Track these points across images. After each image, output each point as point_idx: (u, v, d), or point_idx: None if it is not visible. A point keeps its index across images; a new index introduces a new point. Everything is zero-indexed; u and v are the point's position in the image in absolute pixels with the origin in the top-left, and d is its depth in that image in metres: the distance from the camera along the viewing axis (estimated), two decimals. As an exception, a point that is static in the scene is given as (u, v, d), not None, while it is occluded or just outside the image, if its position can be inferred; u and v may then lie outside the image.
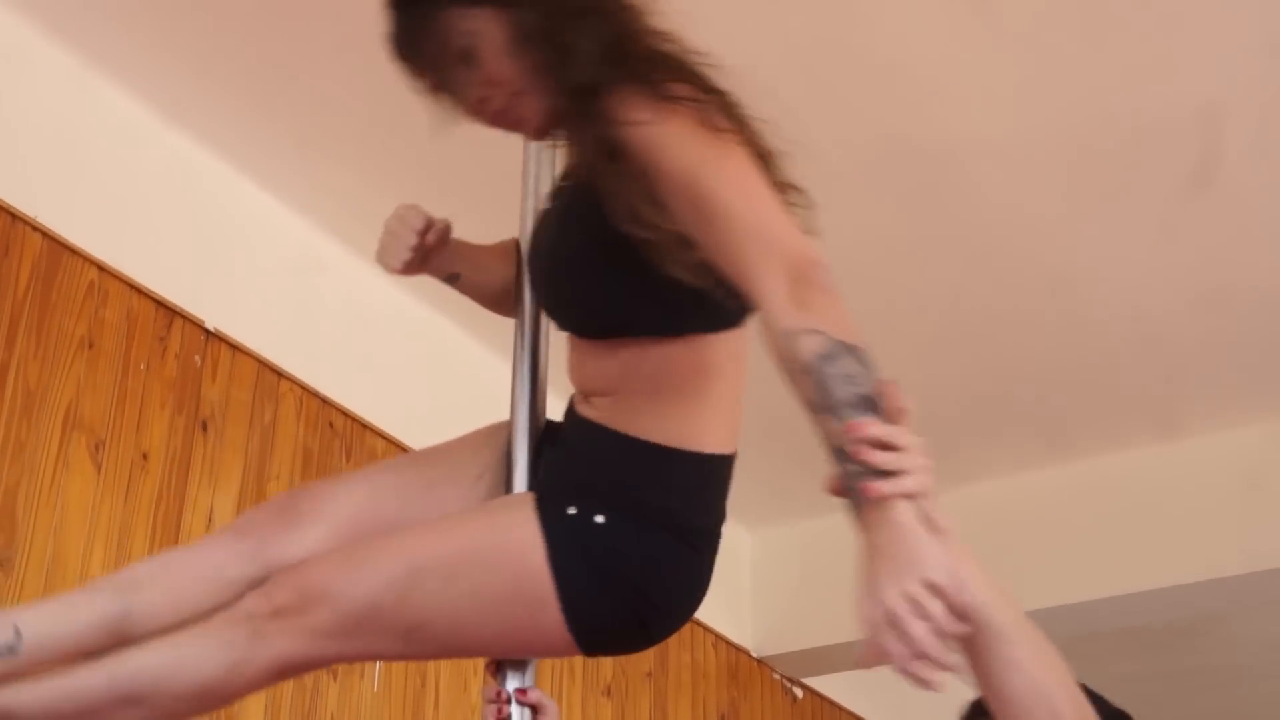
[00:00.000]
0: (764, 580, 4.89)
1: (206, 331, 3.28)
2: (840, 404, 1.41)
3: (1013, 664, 1.42)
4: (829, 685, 5.13)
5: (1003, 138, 3.35)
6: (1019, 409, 4.32)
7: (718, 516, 1.85)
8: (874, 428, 1.37)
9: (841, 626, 4.72)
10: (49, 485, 2.87)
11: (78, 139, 3.13)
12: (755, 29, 3.07)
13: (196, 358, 3.24)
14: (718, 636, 4.72)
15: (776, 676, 4.94)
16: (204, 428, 3.22)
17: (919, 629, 1.26)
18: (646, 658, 4.37)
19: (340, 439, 3.53)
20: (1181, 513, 4.33)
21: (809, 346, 1.44)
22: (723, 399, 1.82)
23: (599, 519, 1.73)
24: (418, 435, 3.37)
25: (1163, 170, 3.42)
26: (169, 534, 3.07)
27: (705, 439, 1.80)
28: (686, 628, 4.55)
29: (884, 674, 4.84)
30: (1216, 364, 4.11)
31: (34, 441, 2.87)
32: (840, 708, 5.24)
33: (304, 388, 3.45)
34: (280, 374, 3.41)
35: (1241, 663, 5.84)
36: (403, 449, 3.54)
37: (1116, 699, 6.13)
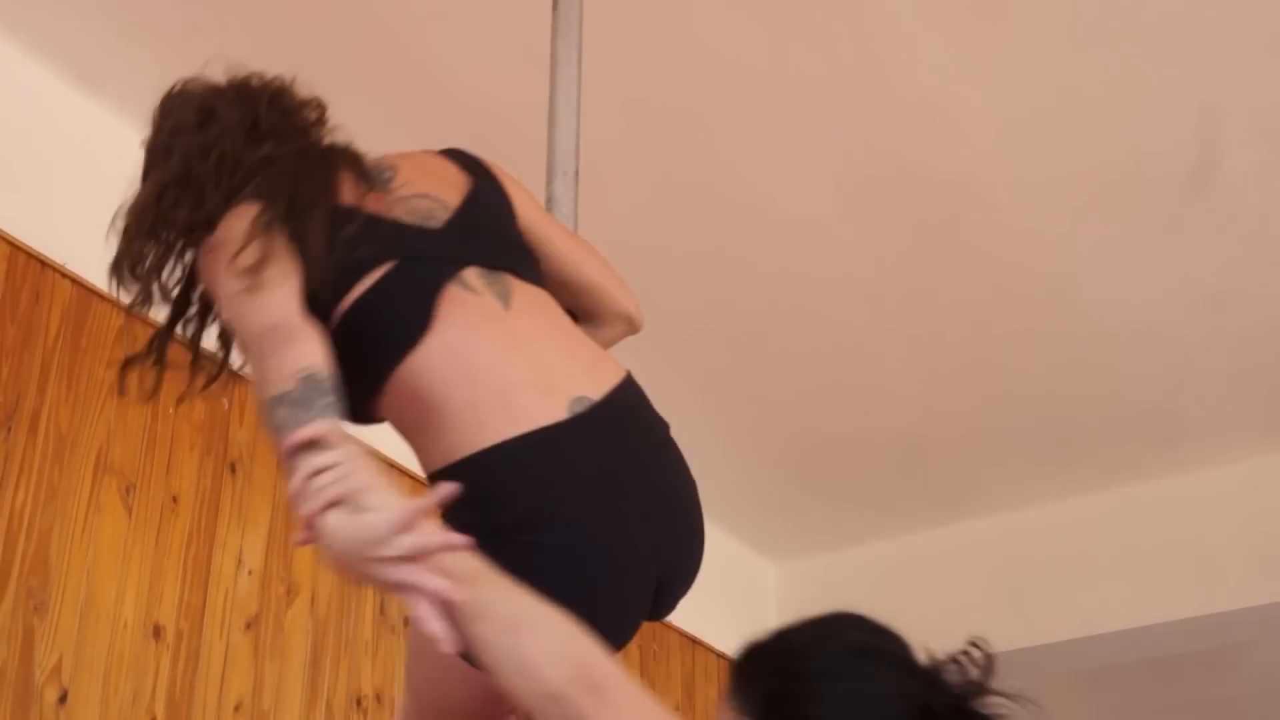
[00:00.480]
0: (788, 612, 4.88)
1: (233, 373, 3.31)
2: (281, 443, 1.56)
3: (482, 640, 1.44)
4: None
5: (1015, 165, 3.38)
6: (1037, 437, 4.34)
7: (553, 490, 1.68)
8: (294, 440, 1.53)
9: (866, 658, 4.74)
10: (81, 529, 2.91)
11: (106, 187, 3.18)
12: (770, 64, 3.11)
13: (224, 400, 3.28)
14: (743, 669, 4.73)
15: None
16: (233, 470, 3.26)
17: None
18: (673, 691, 4.39)
19: (367, 478, 3.56)
20: (1204, 542, 4.34)
21: (262, 391, 1.60)
22: (471, 402, 1.70)
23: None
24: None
25: (1174, 192, 3.45)
26: (199, 575, 3.10)
27: (473, 441, 1.68)
28: (712, 660, 4.58)
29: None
30: (1238, 390, 4.12)
31: (66, 486, 2.91)
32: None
33: (330, 428, 3.48)
34: (307, 415, 3.44)
35: (1270, 689, 5.83)
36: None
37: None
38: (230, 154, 1.85)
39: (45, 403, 2.93)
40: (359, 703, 3.36)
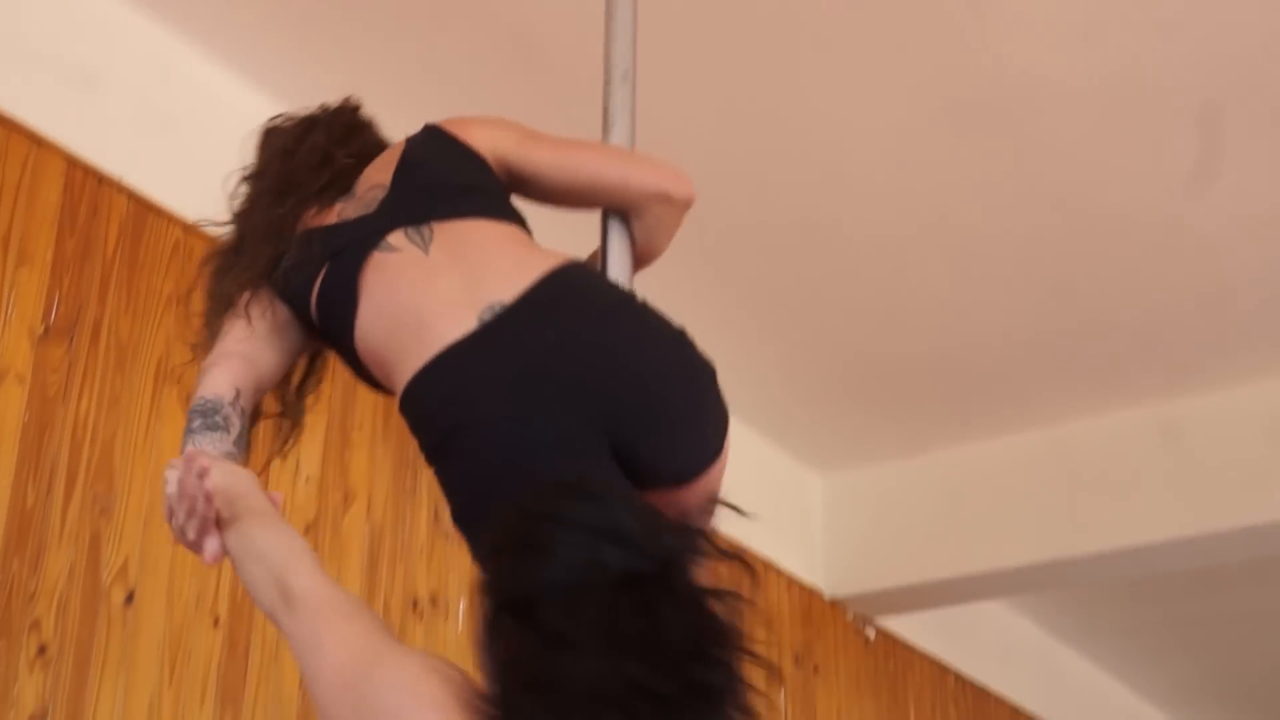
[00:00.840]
0: (835, 523, 4.96)
1: (288, 286, 3.38)
2: None
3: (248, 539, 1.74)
4: (902, 626, 5.20)
5: (1072, 76, 3.37)
6: (1089, 349, 4.35)
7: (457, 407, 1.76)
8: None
9: (914, 568, 4.80)
10: (144, 436, 2.99)
11: (162, 101, 3.23)
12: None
13: (280, 312, 3.34)
14: (790, 579, 4.80)
15: (849, 618, 5.01)
16: (287, 378, 3.32)
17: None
18: (720, 599, 4.45)
19: (419, 389, 3.62)
20: (1255, 452, 4.35)
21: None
22: (402, 347, 1.83)
23: None
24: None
25: (1233, 106, 3.43)
26: (259, 479, 3.17)
27: (402, 381, 1.82)
28: (759, 568, 4.63)
29: (956, 613, 4.90)
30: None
31: (128, 394, 2.99)
32: (913, 648, 5.30)
33: (383, 339, 3.55)
34: (360, 326, 3.50)
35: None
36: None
37: (1188, 638, 6.13)
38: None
39: (106, 313, 2.99)
40: (414, 605, 3.44)
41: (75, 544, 2.81)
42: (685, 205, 1.97)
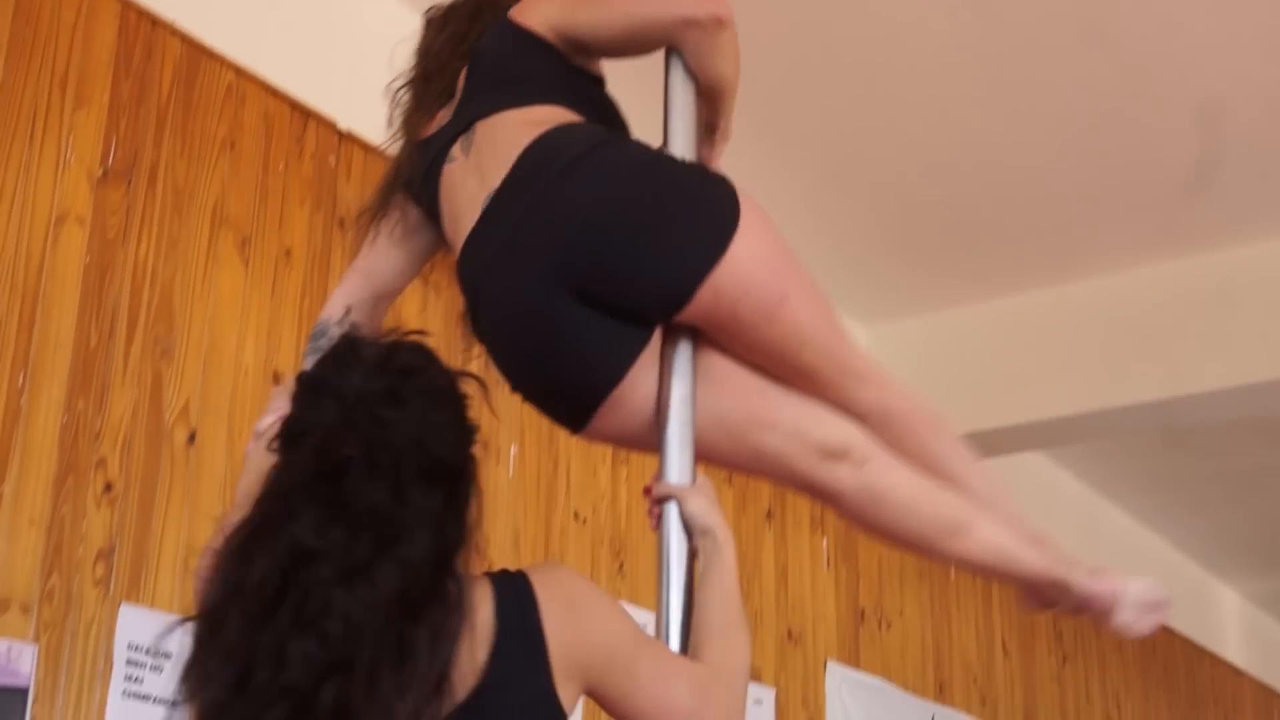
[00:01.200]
0: (879, 374, 4.98)
1: (339, 133, 3.38)
2: None
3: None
4: (942, 477, 5.24)
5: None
6: (1138, 200, 4.33)
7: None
8: None
9: (955, 419, 4.81)
10: (202, 279, 3.03)
11: (212, -56, 3.22)
12: None
13: (331, 158, 3.36)
14: (833, 429, 4.84)
15: (890, 468, 5.06)
16: (341, 225, 3.35)
17: None
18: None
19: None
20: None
21: None
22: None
23: None
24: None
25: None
26: (313, 326, 3.21)
27: None
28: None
29: (996, 465, 4.88)
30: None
31: (186, 238, 3.02)
32: (952, 499, 5.36)
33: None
34: (411, 173, 3.52)
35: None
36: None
37: (1226, 490, 6.16)
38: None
39: (162, 157, 3.01)
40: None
41: (138, 384, 2.87)
42: (716, 25, 1.91)
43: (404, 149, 2.04)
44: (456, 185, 1.92)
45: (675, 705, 1.57)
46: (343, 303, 2.06)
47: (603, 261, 1.75)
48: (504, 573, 1.59)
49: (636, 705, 1.57)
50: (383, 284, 2.10)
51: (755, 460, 1.88)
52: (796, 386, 1.87)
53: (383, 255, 2.08)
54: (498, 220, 1.82)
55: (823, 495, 1.89)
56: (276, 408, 1.76)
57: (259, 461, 1.68)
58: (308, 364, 1.84)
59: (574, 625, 1.55)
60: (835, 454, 1.84)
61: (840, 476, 1.84)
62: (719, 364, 1.84)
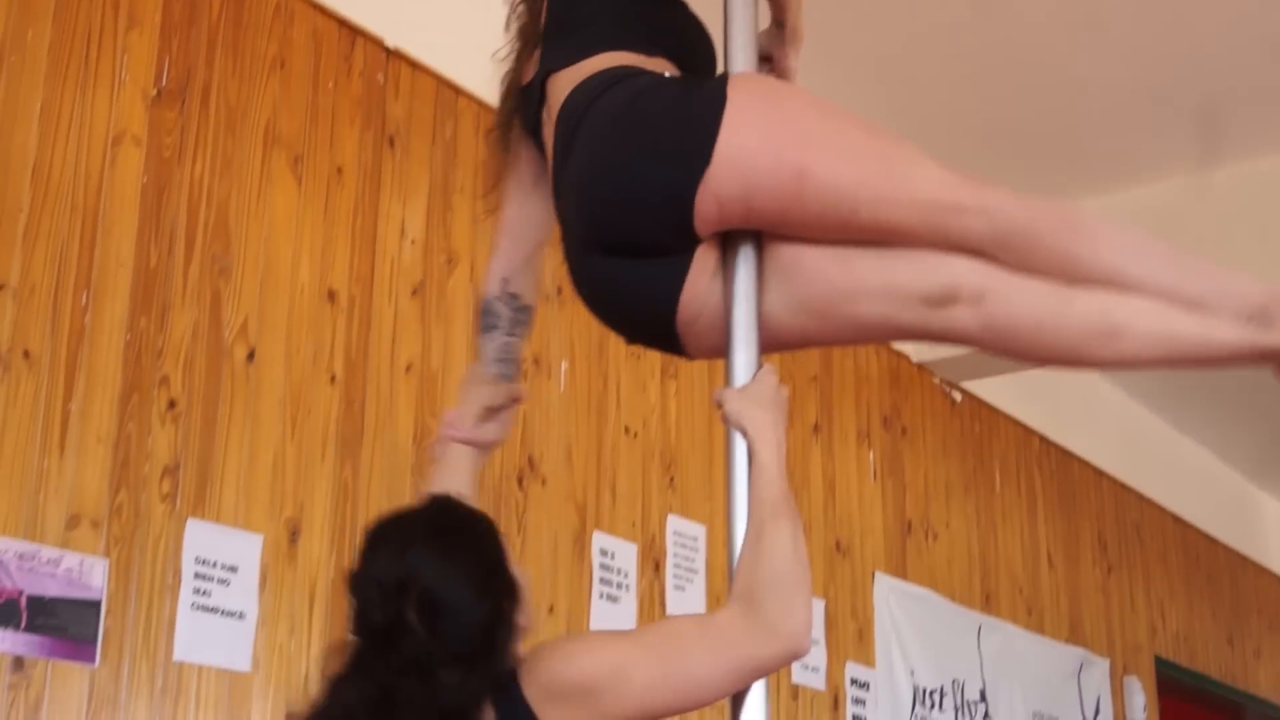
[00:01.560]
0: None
1: (387, 50, 3.39)
2: None
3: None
4: (987, 389, 5.26)
5: None
6: (1188, 108, 4.30)
7: None
8: None
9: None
10: (256, 198, 3.05)
11: None
12: None
13: (380, 75, 3.36)
14: (879, 343, 4.85)
15: (936, 381, 5.08)
16: (391, 144, 3.36)
17: None
18: (811, 362, 4.52)
19: (517, 153, 3.65)
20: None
21: None
22: None
23: None
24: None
25: None
26: (366, 244, 3.24)
27: None
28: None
29: (1040, 377, 4.96)
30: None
31: (240, 157, 3.04)
32: (998, 411, 5.38)
33: (481, 104, 3.56)
34: (458, 90, 3.52)
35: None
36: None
37: (1269, 399, 6.08)
38: None
39: (214, 76, 3.03)
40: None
41: (198, 303, 2.90)
42: None
43: (512, 92, 2.03)
44: (548, 143, 1.93)
45: (694, 677, 1.66)
46: (499, 275, 2.07)
47: (605, 215, 1.76)
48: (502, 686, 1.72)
49: (659, 700, 1.67)
50: (529, 239, 2.08)
51: (863, 331, 1.80)
52: (896, 245, 1.72)
53: (520, 209, 2.07)
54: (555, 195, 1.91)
55: (955, 340, 1.76)
56: (469, 398, 2.04)
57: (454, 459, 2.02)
58: (481, 343, 2.05)
59: (545, 689, 1.68)
60: (943, 300, 1.70)
61: (958, 319, 1.70)
62: (786, 253, 1.76)
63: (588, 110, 1.79)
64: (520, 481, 3.48)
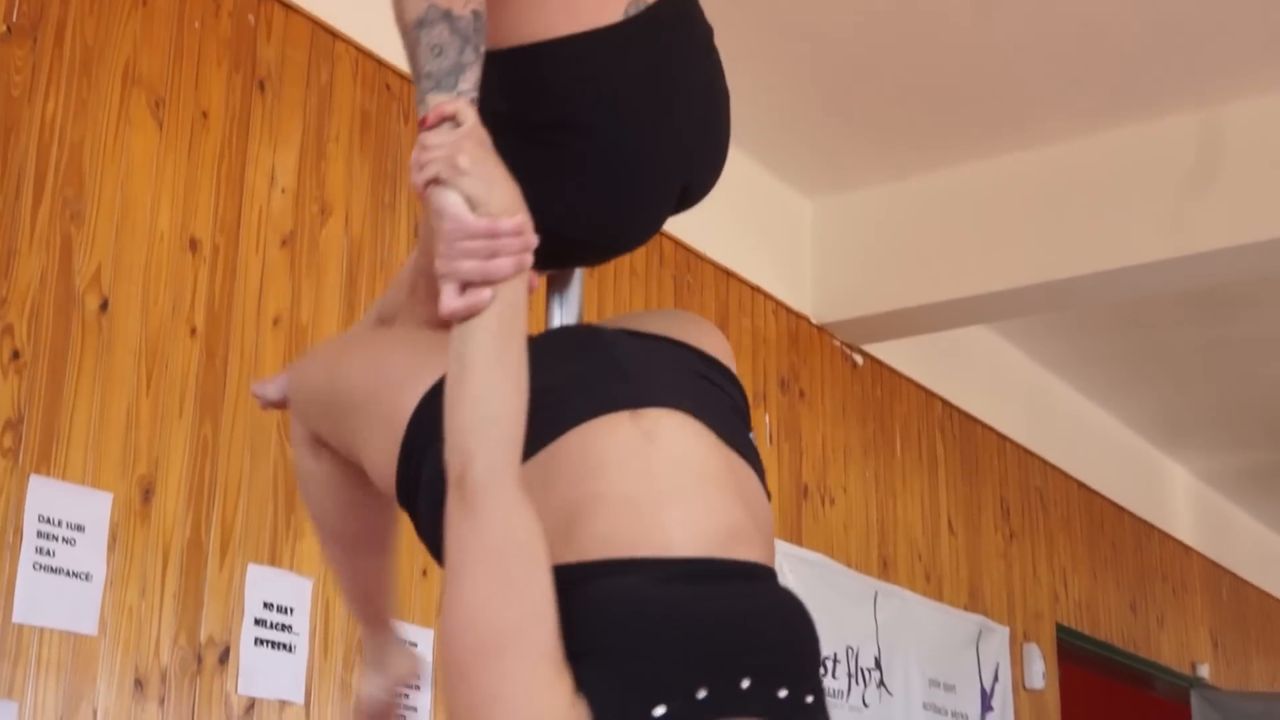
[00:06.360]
0: (824, 248, 4.92)
1: (259, -9, 3.26)
2: (421, 75, 1.50)
3: None
4: (888, 352, 5.20)
5: None
6: (1080, 67, 4.24)
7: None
8: (431, 117, 1.47)
9: (902, 293, 4.77)
10: (113, 140, 2.92)
11: None
12: None
13: (250, 16, 3.23)
14: (778, 303, 4.77)
15: (836, 343, 5.01)
16: (261, 88, 3.23)
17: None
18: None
19: (398, 101, 3.53)
20: (1243, 171, 4.28)
21: (410, 9, 1.50)
22: None
23: None
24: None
25: None
26: (233, 191, 3.12)
27: (522, 30, 1.64)
28: (745, 292, 4.62)
29: (943, 341, 4.89)
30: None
31: (95, 98, 2.90)
32: (899, 374, 5.32)
33: (359, 49, 3.44)
34: (335, 35, 3.40)
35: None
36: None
37: (1177, 365, 6.15)
38: None
39: (70, 12, 2.89)
40: (396, 320, 3.40)
41: (46, 249, 2.77)
42: None
43: None
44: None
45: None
46: None
47: (707, 179, 1.83)
48: None
49: None
50: None
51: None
52: None
53: None
54: (655, 51, 1.75)
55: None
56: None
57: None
58: (423, 45, 1.53)
59: None
60: None
61: None
62: None
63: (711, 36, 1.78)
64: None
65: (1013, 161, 4.62)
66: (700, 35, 1.77)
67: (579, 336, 1.72)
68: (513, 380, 1.41)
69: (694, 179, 1.78)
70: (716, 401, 1.63)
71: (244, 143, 3.17)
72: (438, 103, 1.48)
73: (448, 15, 1.49)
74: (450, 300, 1.42)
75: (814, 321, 4.91)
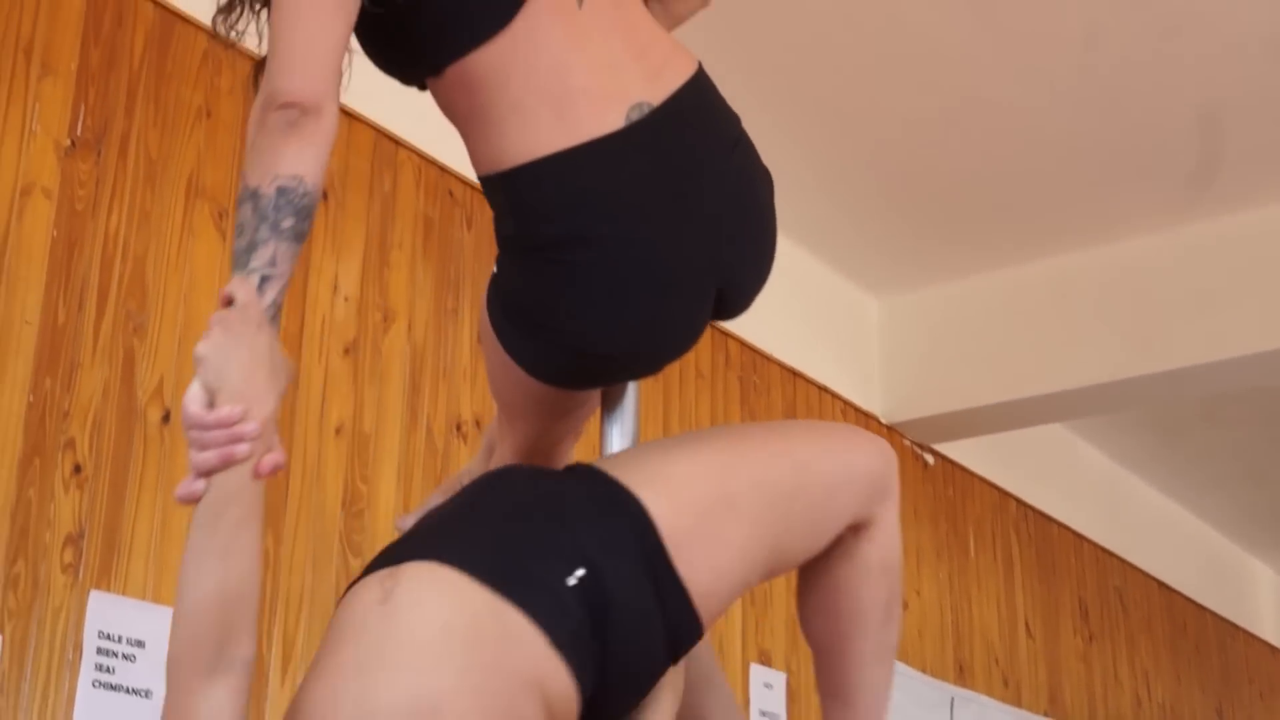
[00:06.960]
0: (892, 346, 4.86)
1: (323, 101, 3.26)
2: (234, 254, 1.53)
3: None
4: (960, 451, 5.11)
5: None
6: (1150, 163, 4.18)
7: (588, 213, 1.62)
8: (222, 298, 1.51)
9: (973, 391, 4.70)
10: (176, 252, 2.92)
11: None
12: None
13: (314, 126, 3.24)
14: (846, 403, 4.71)
15: (907, 443, 4.93)
16: (324, 196, 3.23)
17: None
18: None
19: (460, 208, 3.53)
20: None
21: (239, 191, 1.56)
22: (521, 104, 1.62)
23: (494, 271, 1.71)
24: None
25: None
26: (295, 301, 3.11)
27: (519, 150, 1.62)
28: (813, 392, 4.55)
29: (1016, 439, 4.78)
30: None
31: (159, 210, 2.91)
32: (972, 473, 5.23)
33: (422, 156, 3.44)
34: (398, 143, 3.40)
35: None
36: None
37: (1257, 461, 5.97)
38: None
39: (134, 126, 2.90)
40: (459, 428, 3.37)
41: (109, 362, 2.76)
42: (706, 4, 1.87)
43: None
44: (551, 25, 1.72)
45: None
46: (313, 166, 1.64)
47: (750, 284, 1.82)
48: None
49: None
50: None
51: None
52: None
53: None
54: (660, 155, 1.74)
55: None
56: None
57: None
58: (246, 259, 1.55)
59: None
60: None
61: None
62: None
63: (743, 134, 1.75)
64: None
65: (1081, 257, 4.55)
66: (721, 127, 1.71)
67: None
68: (210, 575, 1.43)
69: (731, 277, 1.70)
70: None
71: (307, 251, 3.16)
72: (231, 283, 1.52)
73: (255, 194, 1.52)
74: (179, 487, 1.48)
75: (883, 421, 4.84)
